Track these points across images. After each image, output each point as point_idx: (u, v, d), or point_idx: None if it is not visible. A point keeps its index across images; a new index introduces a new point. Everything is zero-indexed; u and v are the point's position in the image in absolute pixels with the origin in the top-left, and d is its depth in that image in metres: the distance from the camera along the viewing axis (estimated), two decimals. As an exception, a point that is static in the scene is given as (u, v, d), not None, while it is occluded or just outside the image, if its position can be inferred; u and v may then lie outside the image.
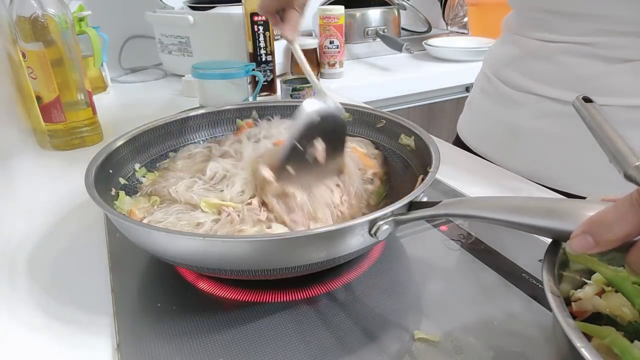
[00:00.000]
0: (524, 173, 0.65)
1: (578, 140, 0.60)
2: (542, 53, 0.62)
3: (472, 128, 0.79)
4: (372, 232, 0.38)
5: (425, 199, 0.42)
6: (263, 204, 0.48)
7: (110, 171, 0.51)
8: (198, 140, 0.64)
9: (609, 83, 0.56)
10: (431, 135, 0.53)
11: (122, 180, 0.53)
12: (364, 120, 0.63)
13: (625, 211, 0.25)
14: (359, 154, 0.58)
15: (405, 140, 0.57)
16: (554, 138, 0.63)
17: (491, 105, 0.73)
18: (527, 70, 0.65)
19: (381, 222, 0.38)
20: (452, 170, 0.65)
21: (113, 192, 0.51)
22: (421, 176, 0.50)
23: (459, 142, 0.82)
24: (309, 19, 1.37)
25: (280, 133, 0.61)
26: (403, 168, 0.57)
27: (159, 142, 0.60)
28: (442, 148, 0.50)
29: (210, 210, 0.48)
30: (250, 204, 0.48)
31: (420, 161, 0.52)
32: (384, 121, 0.61)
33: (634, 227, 0.25)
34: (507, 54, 0.70)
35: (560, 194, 0.62)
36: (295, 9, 0.55)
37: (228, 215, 0.47)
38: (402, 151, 0.58)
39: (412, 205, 0.41)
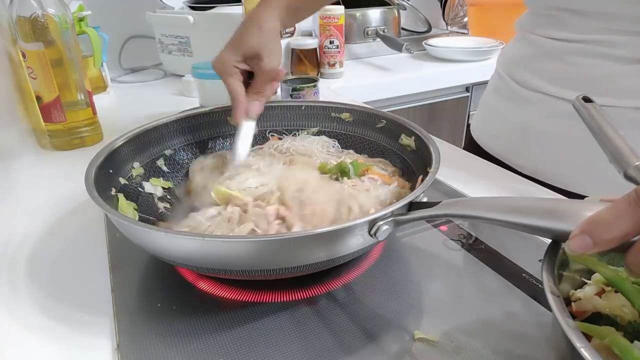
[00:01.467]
0: (534, 173, 0.65)
1: (589, 142, 0.59)
2: (555, 53, 0.63)
3: (484, 127, 0.79)
4: (372, 232, 0.38)
5: (425, 199, 0.42)
6: (279, 217, 0.46)
7: (111, 171, 0.51)
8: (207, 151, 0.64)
9: (621, 84, 0.56)
10: (432, 136, 0.53)
11: (122, 180, 0.53)
12: (364, 121, 0.63)
13: (623, 211, 0.25)
14: (378, 176, 0.55)
15: (405, 140, 0.57)
16: (564, 139, 0.63)
17: (503, 104, 0.73)
18: (539, 70, 0.65)
19: (381, 223, 0.38)
20: (453, 171, 0.65)
21: (113, 192, 0.51)
22: (421, 176, 0.50)
23: (471, 141, 0.81)
24: (308, 19, 1.36)
25: (303, 147, 0.61)
26: (404, 168, 0.57)
27: (160, 142, 0.60)
28: (442, 148, 0.50)
29: (220, 199, 0.48)
30: (264, 204, 0.47)
31: (421, 161, 0.52)
32: (384, 121, 0.61)
33: (631, 226, 0.25)
34: (520, 53, 0.70)
35: (569, 194, 0.62)
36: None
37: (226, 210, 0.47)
38: (402, 151, 0.58)
39: (412, 206, 0.41)
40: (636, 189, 0.25)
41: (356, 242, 0.39)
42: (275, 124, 0.66)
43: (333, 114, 0.65)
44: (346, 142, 0.64)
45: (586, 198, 0.34)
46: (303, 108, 0.66)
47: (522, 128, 0.68)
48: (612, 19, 0.56)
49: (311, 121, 0.66)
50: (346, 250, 0.39)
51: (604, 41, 0.57)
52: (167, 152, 0.61)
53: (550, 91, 0.63)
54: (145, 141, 0.58)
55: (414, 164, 0.55)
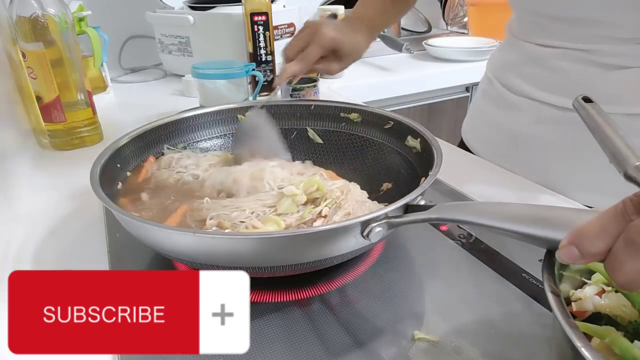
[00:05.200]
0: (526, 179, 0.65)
1: (577, 147, 0.60)
2: (541, 58, 0.62)
3: (475, 131, 0.79)
4: (365, 234, 0.38)
5: (422, 202, 0.41)
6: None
7: (118, 165, 0.52)
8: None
9: (606, 90, 0.56)
10: (437, 139, 0.53)
11: (129, 174, 0.54)
12: (372, 121, 0.63)
13: (609, 223, 0.24)
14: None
15: (411, 142, 0.57)
16: (552, 144, 0.63)
17: (492, 108, 0.73)
18: (526, 75, 0.65)
19: (374, 225, 0.38)
20: (453, 171, 0.65)
21: (119, 185, 0.51)
22: (423, 178, 0.50)
23: (462, 145, 0.81)
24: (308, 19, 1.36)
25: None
26: (408, 169, 0.57)
27: (160, 141, 0.61)
28: (447, 150, 0.50)
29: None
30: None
31: (425, 164, 0.52)
32: (392, 122, 0.61)
33: (616, 239, 0.24)
34: (508, 58, 0.69)
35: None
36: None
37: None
38: (408, 153, 0.58)
39: (408, 208, 0.40)
40: (624, 200, 0.24)
41: (349, 243, 0.39)
42: (283, 123, 0.67)
43: (342, 114, 0.65)
44: (352, 142, 0.65)
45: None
46: (312, 107, 0.66)
47: (511, 134, 0.68)
48: (594, 27, 0.55)
49: (319, 121, 0.66)
50: (338, 251, 0.39)
51: (587, 49, 0.57)
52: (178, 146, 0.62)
53: (537, 96, 0.63)
54: (147, 140, 0.59)
55: (418, 166, 0.55)
